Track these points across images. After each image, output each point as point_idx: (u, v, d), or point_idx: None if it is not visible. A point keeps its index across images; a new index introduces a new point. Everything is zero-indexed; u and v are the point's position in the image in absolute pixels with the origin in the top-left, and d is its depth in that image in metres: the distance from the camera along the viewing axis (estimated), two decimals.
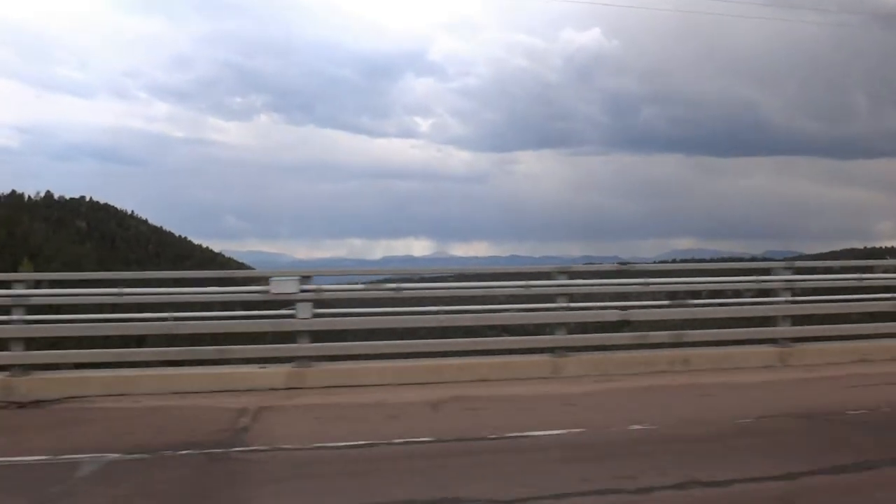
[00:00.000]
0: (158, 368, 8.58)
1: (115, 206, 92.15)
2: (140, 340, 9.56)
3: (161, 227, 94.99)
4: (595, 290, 9.40)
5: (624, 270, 9.54)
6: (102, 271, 14.83)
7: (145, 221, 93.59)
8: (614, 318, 9.27)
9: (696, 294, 9.93)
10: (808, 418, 6.77)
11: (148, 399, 7.83)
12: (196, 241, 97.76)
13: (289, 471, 5.41)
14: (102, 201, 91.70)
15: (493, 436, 6.33)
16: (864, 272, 10.08)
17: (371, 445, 6.00)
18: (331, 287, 8.91)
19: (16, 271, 9.90)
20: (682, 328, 9.36)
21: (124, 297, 8.43)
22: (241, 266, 75.03)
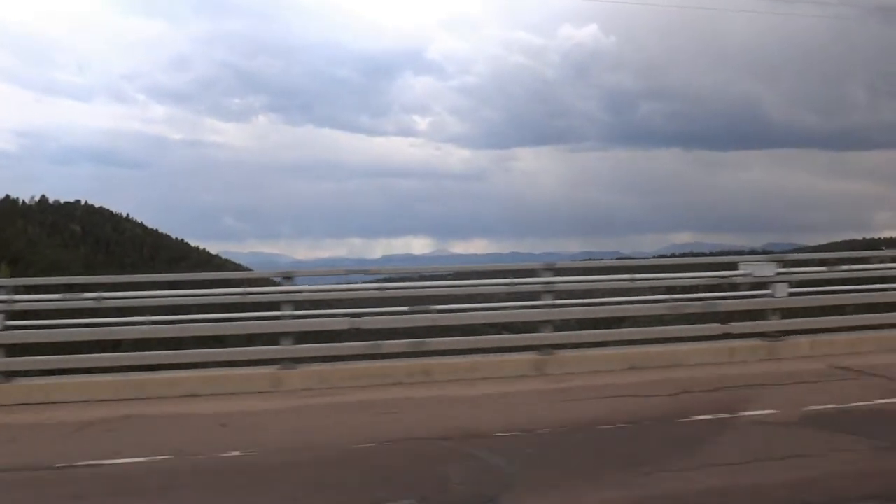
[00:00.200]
0: None
1: (111, 209, 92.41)
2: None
3: (157, 229, 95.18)
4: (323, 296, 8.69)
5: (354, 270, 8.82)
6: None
7: (141, 224, 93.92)
8: (344, 327, 8.54)
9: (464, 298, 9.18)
10: (442, 441, 6.01)
11: None
12: (196, 244, 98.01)
13: None
14: (98, 205, 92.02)
15: (61, 464, 5.67)
16: (635, 272, 9.21)
17: None
18: None
19: None
20: (425, 336, 8.61)
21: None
22: (238, 268, 75.00)
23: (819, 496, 4.54)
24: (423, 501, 4.61)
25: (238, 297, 8.41)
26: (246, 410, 7.39)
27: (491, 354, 8.98)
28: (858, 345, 9.59)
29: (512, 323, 9.15)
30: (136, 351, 8.61)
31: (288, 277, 8.56)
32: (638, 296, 9.30)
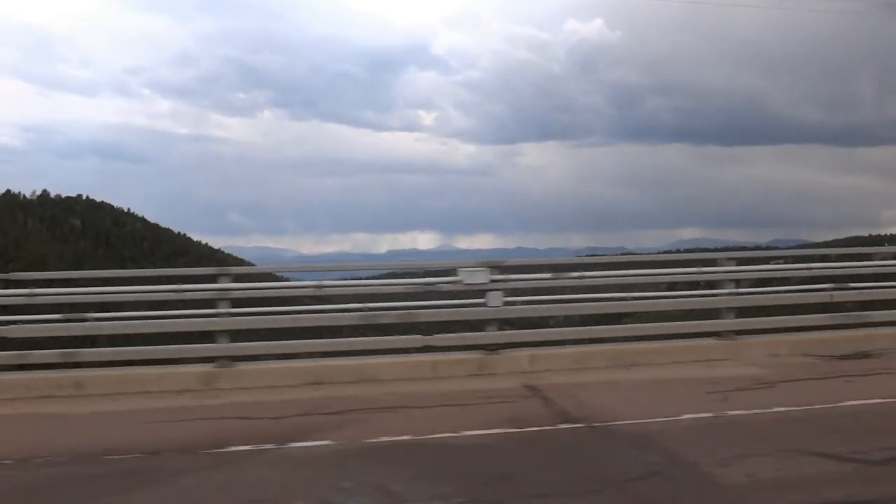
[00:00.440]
0: None
1: (112, 203, 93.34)
2: None
3: (157, 224, 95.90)
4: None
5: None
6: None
7: (141, 219, 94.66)
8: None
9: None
10: None
11: None
12: (201, 238, 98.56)
13: None
14: (100, 199, 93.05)
15: None
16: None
17: None
18: None
19: None
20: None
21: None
22: (240, 262, 75.23)
23: None
24: None
25: None
26: None
27: (166, 366, 8.29)
28: (587, 359, 8.72)
29: (188, 333, 8.42)
30: None
31: None
32: (327, 304, 8.52)
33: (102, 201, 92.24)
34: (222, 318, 8.20)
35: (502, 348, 8.72)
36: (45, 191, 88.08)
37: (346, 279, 11.11)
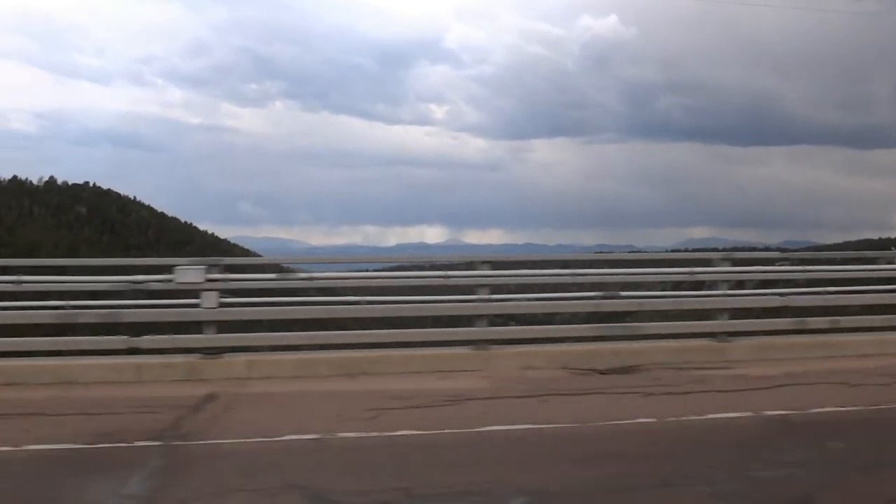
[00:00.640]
0: None
1: (119, 191, 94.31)
2: None
3: (163, 213, 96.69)
4: None
5: None
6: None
7: (148, 207, 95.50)
8: None
9: None
10: None
11: None
12: (211, 228, 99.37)
13: None
14: (107, 187, 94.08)
15: None
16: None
17: None
18: None
19: None
20: None
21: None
22: (245, 252, 75.60)
23: None
24: None
25: None
26: None
27: None
28: (311, 367, 8.16)
29: None
30: None
31: None
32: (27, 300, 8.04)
33: (109, 189, 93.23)
34: None
35: (229, 352, 8.19)
36: (51, 177, 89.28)
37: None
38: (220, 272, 8.09)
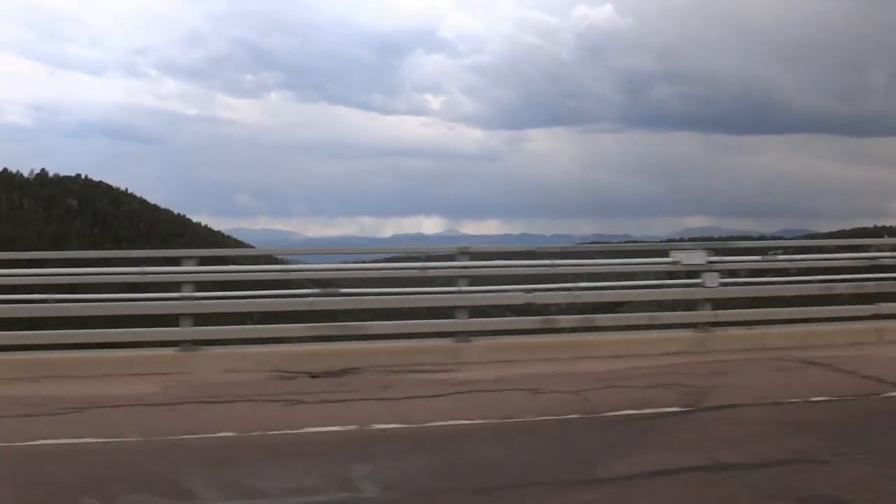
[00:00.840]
0: None
1: (111, 183, 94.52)
2: None
3: (156, 205, 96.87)
4: None
5: None
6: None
7: (140, 199, 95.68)
8: None
9: None
10: None
11: None
12: (206, 220, 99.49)
13: None
14: (98, 179, 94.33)
15: None
16: None
17: None
18: None
19: None
20: None
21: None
22: (239, 245, 75.45)
23: None
24: None
25: None
26: None
27: None
28: None
29: None
30: None
31: None
32: None
33: (101, 181, 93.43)
34: None
35: None
36: (43, 170, 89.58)
37: None
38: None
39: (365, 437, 5.63)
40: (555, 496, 4.25)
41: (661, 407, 6.22)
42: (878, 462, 4.68)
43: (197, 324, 7.95)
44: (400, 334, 8.34)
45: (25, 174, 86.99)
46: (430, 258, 8.55)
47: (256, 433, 5.67)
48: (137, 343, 7.96)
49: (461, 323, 8.27)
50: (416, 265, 8.28)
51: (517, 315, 8.39)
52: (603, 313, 8.67)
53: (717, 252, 8.87)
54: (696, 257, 8.70)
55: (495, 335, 8.45)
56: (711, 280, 8.75)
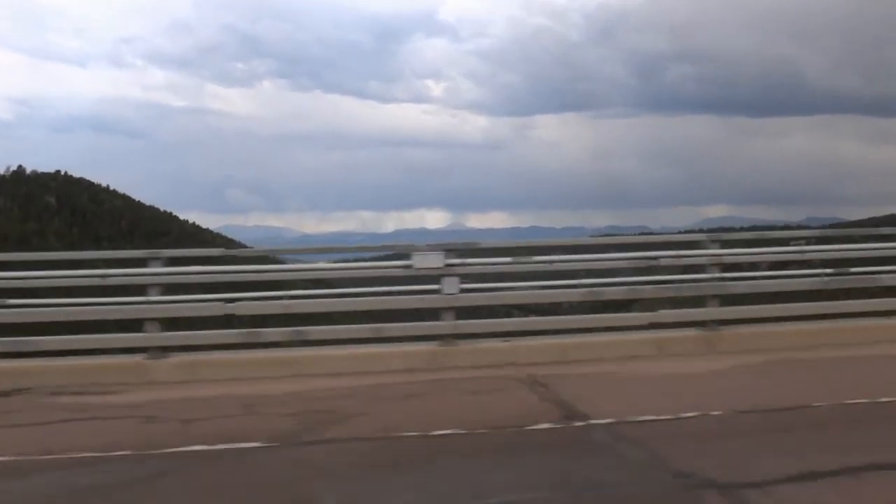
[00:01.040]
0: None
1: (91, 179, 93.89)
2: None
3: (140, 201, 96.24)
4: None
5: None
6: None
7: (122, 195, 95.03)
8: None
9: None
10: None
11: None
12: (197, 218, 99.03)
13: None
14: (77, 175, 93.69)
15: None
16: None
17: None
18: None
19: None
20: None
21: None
22: (229, 243, 74.70)
23: None
24: None
25: None
26: None
27: None
28: None
29: None
30: None
31: None
32: None
33: (81, 178, 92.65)
34: None
35: None
36: (20, 167, 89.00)
37: None
38: None
39: None
40: None
41: (251, 441, 5.34)
42: None
43: None
44: (80, 350, 7.51)
45: (1, 171, 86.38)
46: (108, 264, 7.64)
47: None
48: None
49: (152, 337, 7.43)
50: (96, 272, 7.41)
51: (221, 328, 7.53)
52: (315, 324, 7.77)
53: (459, 253, 7.98)
54: (433, 260, 7.82)
55: (194, 351, 7.60)
56: (450, 286, 7.87)
